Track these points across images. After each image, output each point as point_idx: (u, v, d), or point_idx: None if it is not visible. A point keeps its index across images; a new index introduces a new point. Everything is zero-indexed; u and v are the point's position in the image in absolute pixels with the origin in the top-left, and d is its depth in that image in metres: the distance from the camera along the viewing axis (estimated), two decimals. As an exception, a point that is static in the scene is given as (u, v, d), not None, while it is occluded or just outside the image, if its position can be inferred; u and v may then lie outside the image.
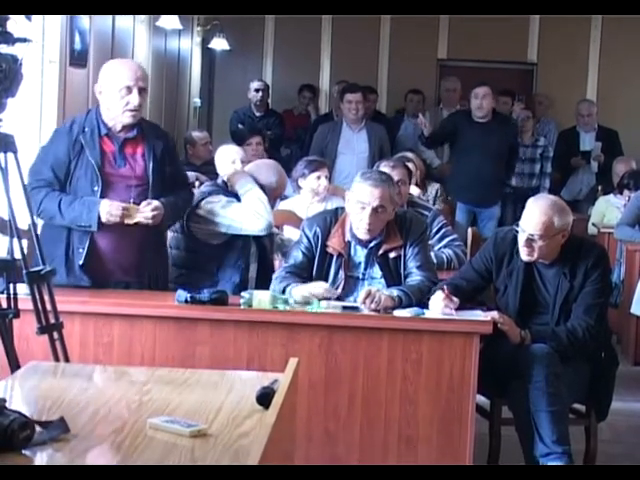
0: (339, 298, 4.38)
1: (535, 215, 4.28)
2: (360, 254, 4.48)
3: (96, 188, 4.32)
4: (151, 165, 4.42)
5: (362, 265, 4.47)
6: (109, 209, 4.27)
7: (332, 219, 4.53)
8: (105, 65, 4.53)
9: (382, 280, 4.43)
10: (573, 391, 4.31)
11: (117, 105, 4.35)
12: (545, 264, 4.40)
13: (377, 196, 4.35)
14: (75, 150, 4.32)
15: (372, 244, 4.45)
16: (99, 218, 4.27)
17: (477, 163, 8.14)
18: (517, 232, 4.34)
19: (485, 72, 10.62)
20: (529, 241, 4.29)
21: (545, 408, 4.13)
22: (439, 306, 4.15)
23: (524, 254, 4.32)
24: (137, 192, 4.39)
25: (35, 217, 4.11)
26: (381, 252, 4.44)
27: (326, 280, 4.43)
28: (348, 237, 4.46)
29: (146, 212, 4.31)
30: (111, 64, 4.52)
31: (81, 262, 4.35)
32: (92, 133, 4.35)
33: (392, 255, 4.45)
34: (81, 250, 4.35)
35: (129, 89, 4.34)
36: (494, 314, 4.23)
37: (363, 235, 4.41)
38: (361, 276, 4.47)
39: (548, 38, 10.80)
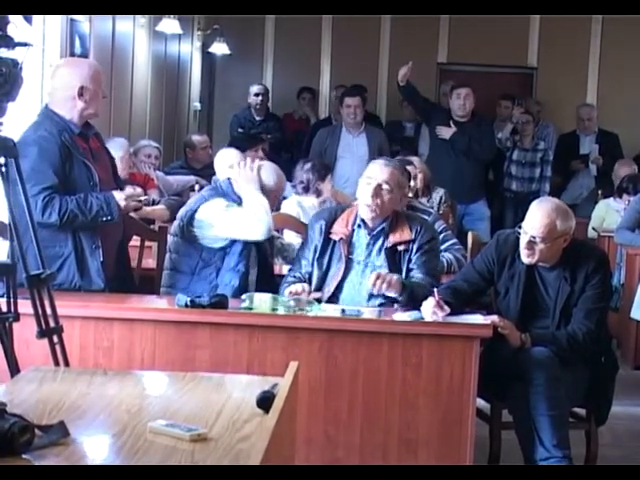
0: (339, 286, 4.46)
1: (538, 217, 4.28)
2: (363, 241, 4.55)
3: (91, 183, 4.40)
4: (109, 157, 4.67)
5: (364, 251, 4.54)
6: (124, 196, 4.40)
7: (338, 211, 4.66)
8: (74, 65, 4.64)
9: (382, 269, 4.46)
10: (573, 395, 4.31)
11: (98, 101, 4.48)
12: (546, 267, 4.40)
13: (385, 173, 4.47)
14: (64, 153, 4.35)
15: (376, 231, 4.52)
16: (119, 209, 4.38)
17: (452, 160, 8.21)
18: (519, 234, 4.34)
19: (485, 76, 10.65)
20: (530, 243, 4.29)
21: (545, 412, 4.13)
22: (429, 312, 4.14)
23: (525, 256, 4.32)
24: (116, 184, 4.59)
25: (57, 222, 4.27)
26: (391, 244, 4.49)
27: (329, 264, 4.52)
28: (353, 225, 4.54)
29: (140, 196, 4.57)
30: (84, 66, 4.61)
31: (102, 259, 4.41)
32: (70, 135, 4.40)
33: (400, 248, 4.51)
34: (94, 247, 4.41)
35: (102, 84, 4.53)
36: (494, 318, 4.23)
37: (366, 214, 4.48)
38: (363, 260, 4.53)
39: (548, 42, 10.81)
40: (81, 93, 4.39)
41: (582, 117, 9.71)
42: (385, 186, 4.45)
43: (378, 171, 4.49)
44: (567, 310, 4.37)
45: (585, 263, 4.36)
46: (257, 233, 4.63)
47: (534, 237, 4.28)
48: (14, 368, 3.47)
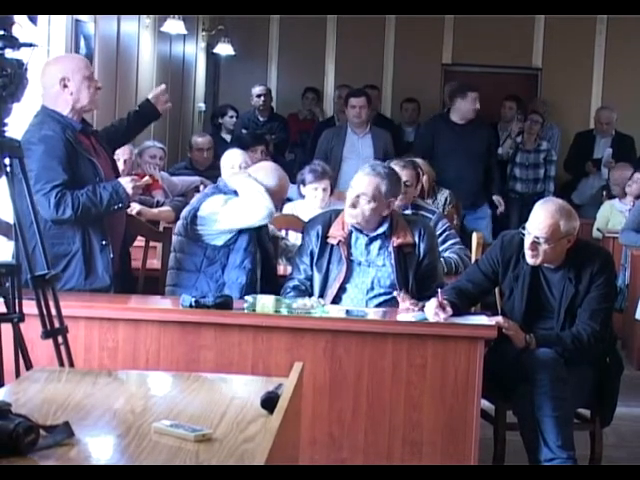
0: (342, 287, 4.49)
1: (541, 218, 4.28)
2: (362, 241, 4.58)
3: (97, 179, 4.43)
4: (107, 153, 4.68)
5: (364, 251, 4.57)
6: (131, 184, 4.44)
7: (333, 215, 4.68)
8: (56, 61, 4.66)
9: (384, 268, 4.53)
10: (578, 396, 4.31)
11: (88, 92, 4.46)
12: (551, 268, 4.39)
13: (364, 183, 4.52)
14: (70, 150, 4.38)
15: (375, 233, 4.56)
16: (127, 195, 4.43)
17: (456, 166, 8.12)
18: (523, 235, 4.34)
19: (490, 77, 10.65)
20: (534, 244, 4.28)
21: (550, 413, 4.13)
22: (431, 312, 4.14)
23: (529, 257, 4.32)
24: (116, 177, 4.62)
25: (72, 217, 4.30)
26: (396, 245, 4.53)
27: (328, 267, 4.55)
28: (349, 227, 4.57)
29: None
30: (65, 59, 4.69)
31: (112, 255, 4.44)
32: (72, 131, 4.42)
33: (405, 250, 4.56)
34: (104, 243, 4.43)
35: (92, 75, 4.54)
36: (499, 319, 4.23)
37: (348, 219, 4.55)
38: (364, 262, 4.56)
39: (553, 43, 10.81)
40: (65, 85, 4.41)
41: (601, 121, 9.67)
42: (363, 197, 4.49)
43: (359, 181, 4.55)
44: (572, 311, 4.36)
45: (590, 264, 4.35)
46: (258, 216, 4.62)
47: (538, 238, 4.27)
48: (29, 365, 3.47)
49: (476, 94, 8.28)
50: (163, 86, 4.99)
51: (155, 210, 5.84)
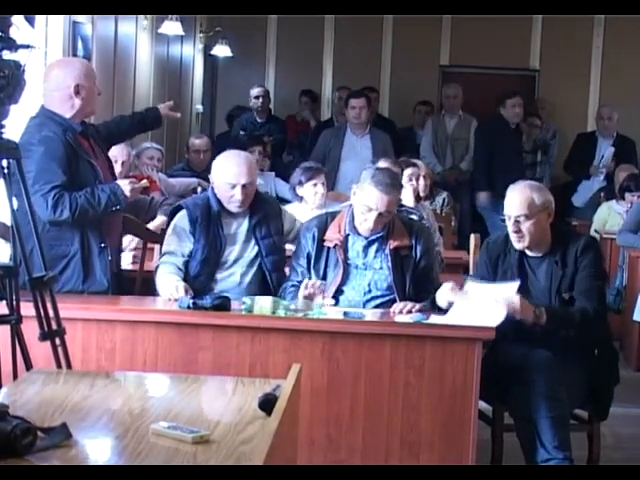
0: (338, 290, 4.47)
1: (514, 197, 4.39)
2: (358, 245, 4.55)
3: (96, 182, 4.43)
4: (105, 155, 4.69)
5: (361, 254, 4.54)
6: (130, 186, 4.44)
7: (329, 218, 4.63)
8: (66, 65, 4.66)
9: (382, 271, 4.51)
10: (574, 395, 4.31)
11: (94, 97, 4.52)
12: (537, 257, 4.42)
13: (385, 203, 4.44)
14: (70, 152, 4.38)
15: (374, 236, 4.52)
16: (125, 197, 4.42)
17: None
18: (505, 222, 4.40)
19: (487, 78, 10.66)
20: (517, 224, 4.34)
21: (546, 414, 4.13)
22: (446, 293, 4.21)
23: (515, 241, 4.38)
24: (114, 178, 4.65)
25: (70, 219, 4.31)
26: (393, 248, 4.51)
27: (325, 271, 4.53)
28: (346, 230, 4.54)
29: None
30: (75, 64, 4.66)
31: (109, 258, 4.45)
32: (73, 134, 4.42)
33: (402, 253, 4.54)
34: (103, 246, 4.44)
35: (96, 81, 4.59)
36: (514, 299, 4.17)
37: (364, 232, 4.52)
38: (361, 265, 4.53)
39: (550, 44, 10.80)
40: (77, 91, 4.43)
41: (602, 116, 9.66)
42: (386, 214, 4.47)
43: (379, 201, 4.42)
44: (562, 296, 4.38)
45: (573, 246, 4.43)
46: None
47: (518, 217, 4.33)
48: (27, 368, 3.47)
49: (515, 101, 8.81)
50: (171, 103, 5.09)
51: (152, 226, 5.82)
